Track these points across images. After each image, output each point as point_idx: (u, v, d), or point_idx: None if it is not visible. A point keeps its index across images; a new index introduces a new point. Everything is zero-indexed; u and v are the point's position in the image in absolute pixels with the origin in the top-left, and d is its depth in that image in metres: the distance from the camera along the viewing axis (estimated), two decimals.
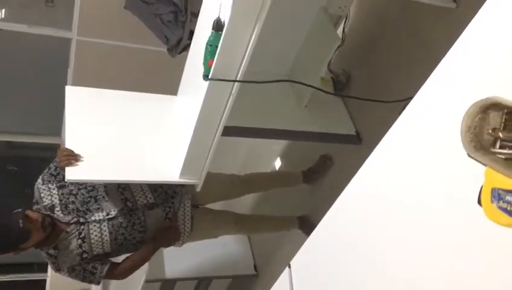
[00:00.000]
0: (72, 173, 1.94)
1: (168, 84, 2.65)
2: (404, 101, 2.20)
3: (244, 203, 3.35)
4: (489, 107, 0.74)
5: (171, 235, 2.33)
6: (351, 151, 2.59)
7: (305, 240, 2.87)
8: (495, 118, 0.75)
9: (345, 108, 2.61)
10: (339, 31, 2.52)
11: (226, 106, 1.91)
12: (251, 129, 2.28)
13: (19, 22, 3.94)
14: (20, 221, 1.96)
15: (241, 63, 1.80)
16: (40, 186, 2.18)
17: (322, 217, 2.67)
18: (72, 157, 1.99)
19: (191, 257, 3.26)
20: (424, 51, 2.19)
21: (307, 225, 2.88)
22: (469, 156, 0.75)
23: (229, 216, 2.75)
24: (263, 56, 2.19)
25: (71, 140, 2.07)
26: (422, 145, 0.91)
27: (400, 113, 1.01)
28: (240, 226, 2.78)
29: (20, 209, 2.03)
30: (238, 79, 1.82)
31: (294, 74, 2.57)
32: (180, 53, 4.05)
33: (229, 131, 2.12)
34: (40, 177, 2.21)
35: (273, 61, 2.53)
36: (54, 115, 4.34)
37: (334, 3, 2.29)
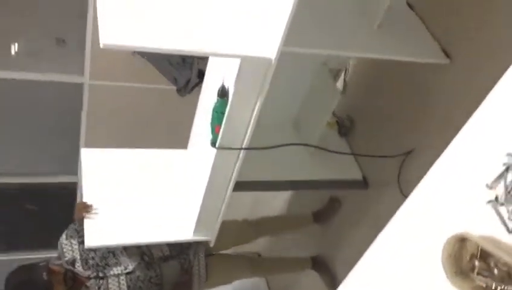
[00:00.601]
0: (91, 240, 2.06)
1: (180, 121, 2.73)
2: (406, 154, 2.30)
3: (257, 246, 3.43)
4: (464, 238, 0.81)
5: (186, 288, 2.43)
6: (358, 193, 2.66)
7: (318, 278, 2.94)
8: (472, 246, 0.83)
9: (350, 152, 2.68)
10: (341, 79, 2.61)
11: (234, 169, 2.01)
12: (261, 183, 2.37)
13: (32, 71, 4.07)
14: (44, 274, 2.08)
15: (247, 130, 1.89)
16: (63, 241, 2.30)
17: (334, 256, 2.76)
18: (88, 208, 2.17)
19: None
20: (421, 102, 2.27)
21: (320, 265, 2.95)
22: (450, 281, 0.82)
23: (244, 261, 2.83)
24: (268, 107, 2.28)
25: (88, 197, 2.21)
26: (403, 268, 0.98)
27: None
28: (255, 269, 2.86)
29: (44, 263, 2.16)
30: (244, 146, 1.92)
31: (299, 123, 2.66)
32: (189, 92, 4.17)
33: (240, 186, 2.21)
34: (64, 232, 2.34)
35: (278, 111, 2.61)
36: (70, 155, 4.48)
37: (333, 60, 2.38)
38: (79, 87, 4.21)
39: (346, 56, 2.37)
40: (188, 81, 4.05)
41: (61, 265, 2.23)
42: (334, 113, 2.75)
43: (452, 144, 0.89)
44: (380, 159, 2.40)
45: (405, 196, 2.30)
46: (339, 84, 2.68)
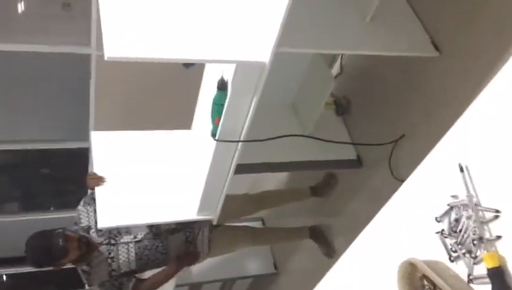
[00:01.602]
0: (104, 221, 2.24)
1: (185, 92, 2.82)
2: (397, 141, 2.42)
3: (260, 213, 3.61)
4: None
5: (190, 259, 2.63)
6: (353, 170, 2.81)
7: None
8: (422, 267, 0.98)
9: (346, 131, 2.81)
10: (338, 62, 2.70)
11: (233, 157, 2.16)
12: (260, 165, 2.51)
13: (39, 41, 4.14)
14: (60, 240, 2.26)
15: (245, 121, 2.02)
16: (80, 208, 2.51)
17: (331, 227, 2.91)
18: (98, 179, 2.33)
19: (215, 260, 3.56)
20: (412, 90, 2.37)
21: (318, 235, 3.14)
22: None
23: (245, 232, 3.03)
24: (267, 89, 2.39)
25: (99, 168, 2.37)
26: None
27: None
28: (256, 240, 3.06)
29: (61, 230, 2.33)
30: (243, 137, 2.05)
31: (297, 105, 2.77)
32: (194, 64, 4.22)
33: (240, 169, 2.36)
34: (82, 199, 2.54)
35: (277, 93, 2.72)
36: (81, 122, 4.63)
37: None
38: (87, 57, 4.30)
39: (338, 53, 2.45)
40: None
41: (76, 232, 2.43)
42: (332, 93, 2.86)
43: (409, 180, 1.03)
44: (374, 140, 2.54)
45: (395, 176, 2.46)
46: (337, 66, 2.77)
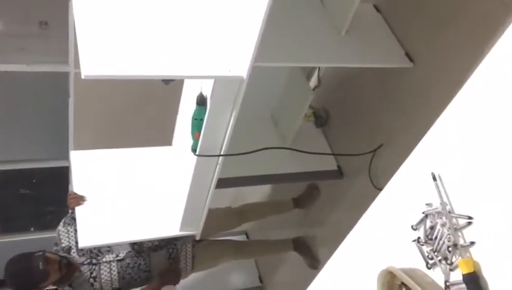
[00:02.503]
0: (85, 240, 2.21)
1: (165, 107, 2.82)
2: (375, 150, 2.46)
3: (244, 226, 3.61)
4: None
5: (172, 277, 2.61)
6: (334, 181, 2.84)
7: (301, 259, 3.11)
8: (400, 275, 0.99)
9: (326, 143, 2.84)
10: (316, 75, 2.74)
11: (214, 171, 2.16)
12: (241, 178, 2.52)
13: (19, 63, 4.12)
14: (40, 263, 2.23)
15: (225, 136, 2.03)
16: (60, 228, 2.47)
17: (315, 238, 2.91)
18: (79, 199, 2.30)
19: (200, 275, 3.52)
20: (388, 100, 2.41)
21: (302, 247, 3.15)
22: None
23: (229, 246, 3.02)
24: (246, 103, 2.41)
25: (79, 187, 2.34)
26: None
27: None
28: (239, 254, 3.06)
29: (40, 253, 2.29)
30: (223, 151, 2.06)
31: (277, 118, 2.80)
32: (173, 80, 4.23)
33: (221, 183, 2.36)
34: (62, 220, 2.51)
35: (256, 107, 2.75)
36: (60, 141, 4.59)
37: None
38: (65, 75, 4.28)
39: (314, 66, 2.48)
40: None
41: (57, 252, 2.40)
42: (310, 106, 2.89)
43: (385, 189, 1.05)
44: (353, 150, 2.57)
45: (375, 185, 2.49)
46: (314, 78, 2.81)
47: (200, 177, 2.12)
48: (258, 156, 2.67)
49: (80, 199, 2.31)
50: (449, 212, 0.90)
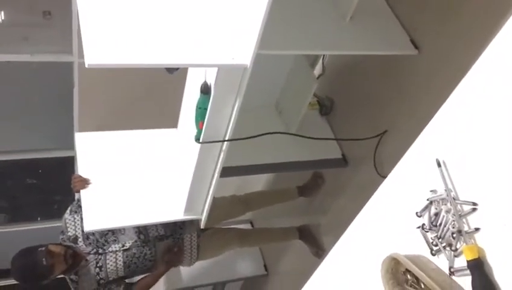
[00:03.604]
0: (90, 224, 2.21)
1: (170, 96, 2.81)
2: (380, 136, 2.45)
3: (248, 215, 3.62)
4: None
5: (176, 258, 2.63)
6: (339, 169, 2.83)
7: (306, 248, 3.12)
8: (405, 261, 0.99)
9: (331, 131, 2.83)
10: (320, 63, 2.72)
11: (218, 159, 2.16)
12: (246, 167, 2.52)
13: (23, 53, 4.12)
14: (44, 259, 2.25)
15: (229, 124, 2.03)
16: (66, 216, 2.49)
17: (319, 226, 2.93)
18: (84, 181, 2.29)
19: (206, 264, 3.55)
20: (393, 86, 2.40)
21: (306, 235, 3.16)
22: None
23: (234, 234, 3.03)
24: (250, 91, 2.40)
25: (84, 170, 2.34)
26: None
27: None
28: (244, 242, 3.07)
29: (43, 248, 2.31)
30: (227, 138, 2.06)
31: (281, 106, 2.79)
32: (177, 69, 4.22)
33: (226, 172, 2.36)
34: (69, 208, 2.51)
35: (260, 95, 2.74)
36: (65, 131, 4.61)
37: None
38: (69, 65, 4.28)
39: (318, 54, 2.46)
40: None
41: (63, 242, 2.42)
42: (315, 94, 2.88)
43: (390, 176, 1.04)
44: (357, 137, 2.56)
45: (379, 173, 2.49)
46: (319, 67, 2.79)
47: (203, 164, 2.12)
48: (262, 144, 2.67)
49: (85, 182, 2.30)
50: (454, 198, 0.90)
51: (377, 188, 1.11)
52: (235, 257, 3.75)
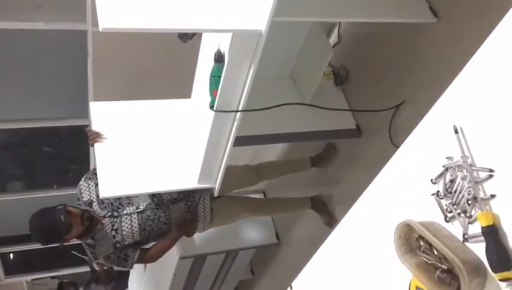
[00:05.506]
0: (106, 191, 2.24)
1: (183, 65, 2.80)
2: (397, 107, 2.41)
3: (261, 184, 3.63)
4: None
5: (190, 227, 2.67)
6: (352, 140, 2.82)
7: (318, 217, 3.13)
8: (418, 227, 0.99)
9: (345, 101, 2.80)
10: (336, 31, 2.68)
11: (232, 128, 2.16)
12: (259, 137, 2.51)
13: (37, 21, 4.11)
14: (62, 216, 2.28)
15: (243, 92, 2.02)
16: (81, 183, 2.53)
17: (332, 197, 2.95)
18: (97, 135, 2.35)
19: (218, 232, 3.59)
20: (411, 56, 2.35)
21: (319, 205, 3.17)
22: (400, 259, 1.00)
23: (247, 202, 3.05)
24: (265, 60, 2.38)
25: (99, 148, 2.37)
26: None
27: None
28: (257, 211, 3.09)
29: (62, 206, 2.35)
30: (241, 108, 2.05)
31: (296, 75, 2.76)
32: (190, 38, 4.18)
33: (239, 141, 2.37)
34: (84, 176, 2.56)
35: (275, 63, 2.71)
36: (80, 99, 4.63)
37: None
38: (83, 33, 4.26)
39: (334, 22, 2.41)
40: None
41: (79, 206, 2.46)
42: (330, 64, 2.84)
43: (405, 144, 1.03)
44: (373, 108, 2.53)
45: (394, 144, 2.46)
46: (335, 35, 2.75)
47: (217, 133, 2.12)
48: (276, 114, 2.65)
49: (97, 136, 2.35)
50: (470, 165, 0.89)
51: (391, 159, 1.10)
52: (247, 225, 3.79)
